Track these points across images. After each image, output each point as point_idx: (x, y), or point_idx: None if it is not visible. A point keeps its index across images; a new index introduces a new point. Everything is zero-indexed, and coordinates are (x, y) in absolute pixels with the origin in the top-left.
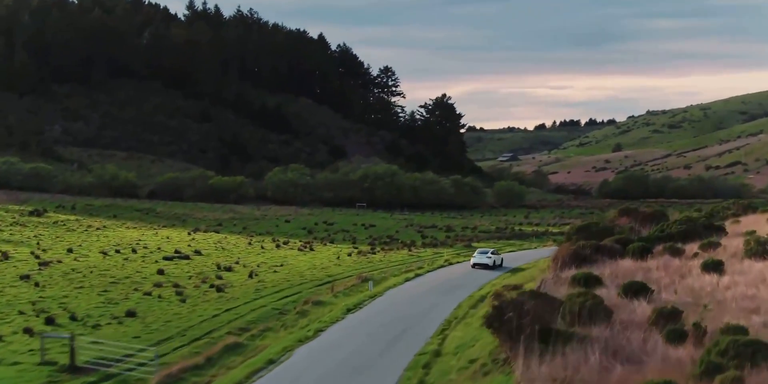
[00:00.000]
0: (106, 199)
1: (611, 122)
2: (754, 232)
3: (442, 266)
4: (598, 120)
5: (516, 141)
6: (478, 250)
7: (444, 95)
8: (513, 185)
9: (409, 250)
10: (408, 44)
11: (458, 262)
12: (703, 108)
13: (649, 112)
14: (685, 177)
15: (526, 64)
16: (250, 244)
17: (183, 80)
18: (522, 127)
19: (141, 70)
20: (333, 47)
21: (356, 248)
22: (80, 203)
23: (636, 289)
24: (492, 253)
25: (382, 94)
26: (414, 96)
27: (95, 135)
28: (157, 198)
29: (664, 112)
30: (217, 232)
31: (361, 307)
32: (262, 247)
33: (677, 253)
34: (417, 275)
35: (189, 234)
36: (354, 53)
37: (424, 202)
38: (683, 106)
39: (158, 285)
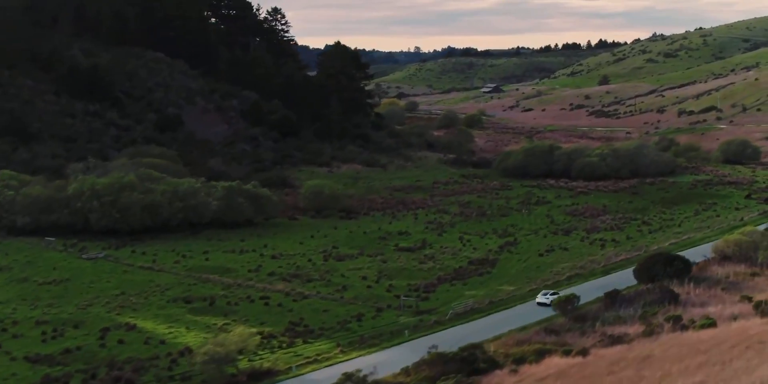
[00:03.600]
0: None
1: (616, 45)
2: None
3: None
4: (609, 40)
5: (508, 67)
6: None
7: (338, 42)
8: (324, 185)
9: None
10: None
11: None
12: (704, 34)
13: (650, 38)
14: (600, 149)
15: None
16: None
17: None
18: (529, 47)
19: None
20: None
21: None
22: None
23: None
24: (551, 294)
25: (266, 42)
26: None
27: None
28: None
29: (663, 37)
30: None
31: None
32: None
33: None
34: None
35: None
36: None
37: (168, 224)
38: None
39: None
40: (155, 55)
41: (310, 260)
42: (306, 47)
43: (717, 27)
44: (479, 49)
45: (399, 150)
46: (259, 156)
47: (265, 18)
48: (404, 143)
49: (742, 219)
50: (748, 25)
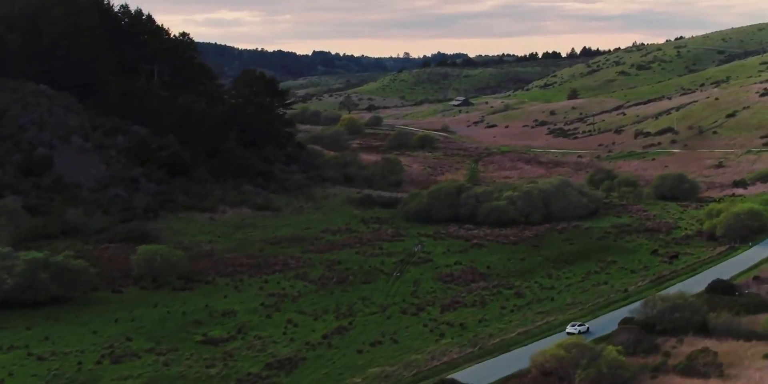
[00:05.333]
0: None
1: (600, 53)
2: None
3: None
4: (605, 44)
5: (483, 78)
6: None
7: (248, 70)
8: (157, 251)
9: None
10: None
11: None
12: (679, 46)
13: (626, 49)
14: (512, 190)
15: None
16: None
17: None
18: (515, 54)
19: None
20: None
21: None
22: None
23: None
24: (578, 326)
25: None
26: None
27: None
28: None
29: (638, 48)
30: None
31: None
32: None
33: None
34: None
35: None
36: (148, 16)
37: None
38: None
39: None
40: (36, 88)
41: (79, 363)
42: (293, 54)
43: (693, 38)
44: (471, 55)
45: (304, 189)
46: (133, 202)
47: (173, 43)
48: (319, 178)
49: (626, 290)
50: (724, 36)
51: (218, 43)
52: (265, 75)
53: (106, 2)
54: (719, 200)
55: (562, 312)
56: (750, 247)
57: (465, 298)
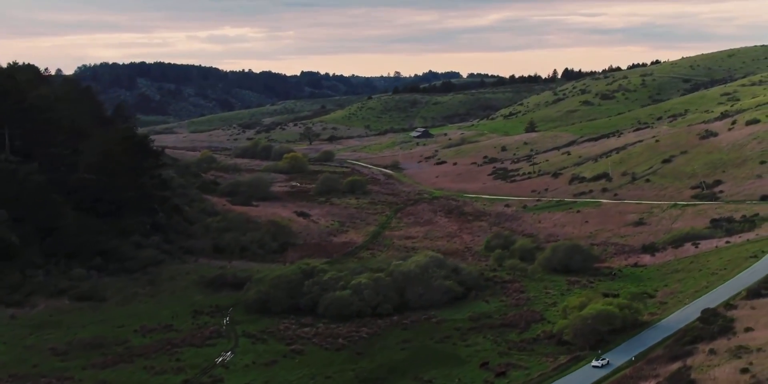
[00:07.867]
0: None
1: (584, 75)
2: None
3: None
4: (586, 69)
5: (452, 105)
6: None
7: (119, 129)
8: None
9: None
10: None
11: None
12: (645, 74)
13: (594, 76)
14: (363, 277)
15: None
16: None
17: None
18: (497, 74)
19: None
20: None
21: None
22: None
23: None
24: (600, 360)
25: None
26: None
27: None
28: None
29: (605, 76)
30: None
31: None
32: None
33: None
34: None
35: None
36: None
37: None
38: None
39: None
40: None
41: None
42: (280, 75)
43: (661, 65)
44: (464, 74)
45: (150, 268)
46: None
47: (30, 103)
48: (181, 250)
49: None
50: (692, 63)
51: (203, 65)
52: (136, 133)
53: None
54: (614, 272)
55: None
56: (598, 356)
57: None
